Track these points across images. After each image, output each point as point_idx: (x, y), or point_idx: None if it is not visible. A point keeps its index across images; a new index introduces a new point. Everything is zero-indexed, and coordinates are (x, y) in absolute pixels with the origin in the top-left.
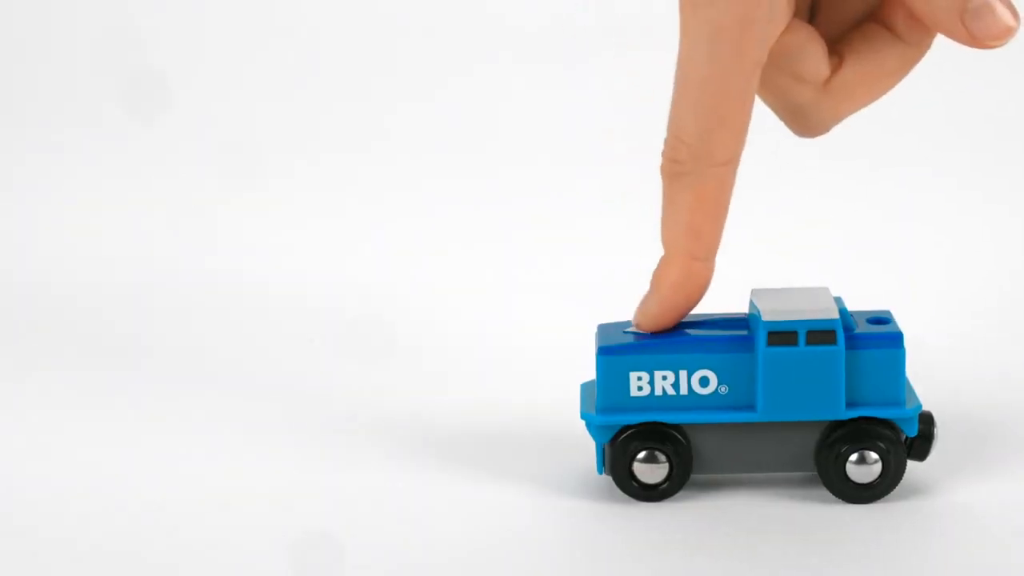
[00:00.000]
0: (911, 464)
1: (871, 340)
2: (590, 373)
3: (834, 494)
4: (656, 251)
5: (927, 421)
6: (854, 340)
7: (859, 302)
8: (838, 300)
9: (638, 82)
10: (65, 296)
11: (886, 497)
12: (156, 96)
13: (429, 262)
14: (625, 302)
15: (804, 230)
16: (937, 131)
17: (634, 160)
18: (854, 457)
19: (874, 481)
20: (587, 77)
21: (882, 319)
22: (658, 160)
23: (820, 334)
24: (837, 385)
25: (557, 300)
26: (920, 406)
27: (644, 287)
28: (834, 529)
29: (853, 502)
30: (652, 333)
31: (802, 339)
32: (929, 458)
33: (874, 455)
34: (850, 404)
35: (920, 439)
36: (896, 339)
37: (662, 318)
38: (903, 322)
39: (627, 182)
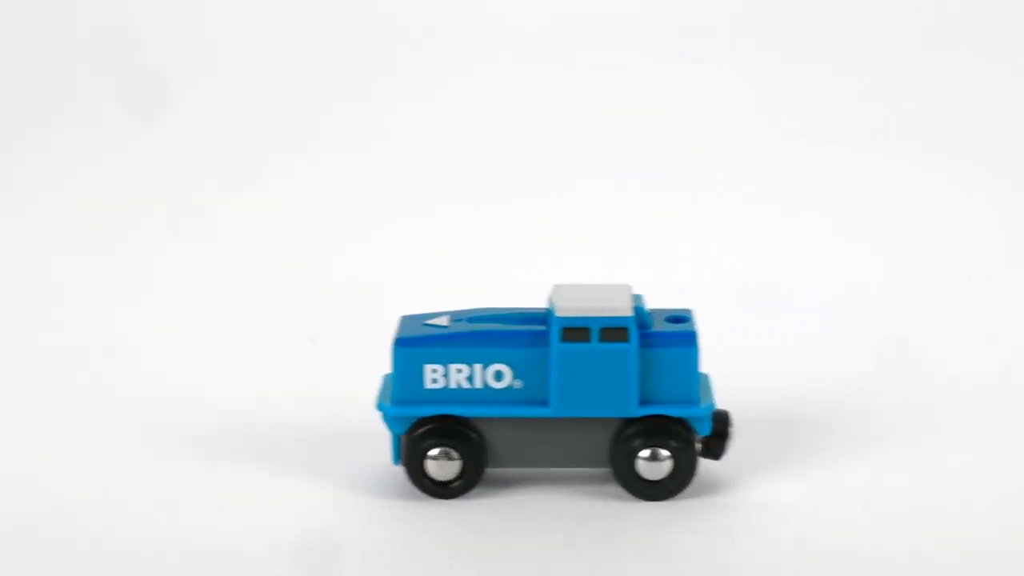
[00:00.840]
0: (713, 462)
1: (665, 338)
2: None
3: (627, 491)
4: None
5: (723, 420)
6: (648, 338)
7: None
8: (637, 298)
9: (638, 82)
10: (64, 295)
11: (680, 495)
12: (156, 96)
13: (428, 262)
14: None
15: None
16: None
17: (634, 160)
18: (645, 454)
19: (665, 478)
20: (587, 77)
21: (680, 318)
22: (658, 160)
23: (613, 331)
24: (630, 382)
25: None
26: (712, 405)
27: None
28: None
29: (646, 499)
30: (450, 326)
31: (595, 336)
32: (728, 456)
33: (665, 452)
34: (643, 402)
35: (715, 438)
36: (689, 338)
37: None
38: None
39: (627, 182)
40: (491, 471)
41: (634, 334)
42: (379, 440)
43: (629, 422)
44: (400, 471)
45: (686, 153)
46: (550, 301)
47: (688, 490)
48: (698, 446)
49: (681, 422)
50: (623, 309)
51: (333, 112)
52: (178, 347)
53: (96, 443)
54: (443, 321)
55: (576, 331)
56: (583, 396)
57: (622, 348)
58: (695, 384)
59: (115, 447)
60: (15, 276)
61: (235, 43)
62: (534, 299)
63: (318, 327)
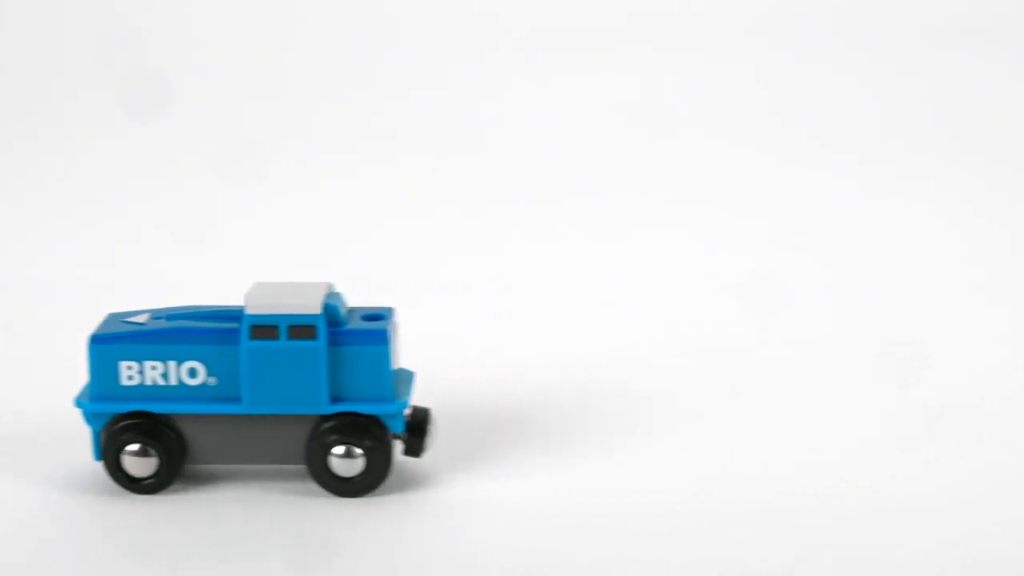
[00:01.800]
0: (417, 459)
1: (355, 336)
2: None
3: (322, 487)
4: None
5: (422, 418)
6: (338, 336)
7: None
8: (336, 296)
9: (638, 82)
10: (63, 295)
11: (375, 492)
12: (155, 96)
13: (428, 262)
14: (624, 302)
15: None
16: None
17: (634, 160)
18: (339, 451)
19: (359, 475)
20: (588, 77)
21: (378, 316)
22: (658, 160)
23: (301, 329)
24: (319, 380)
25: (554, 300)
26: (405, 403)
27: (643, 287)
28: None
29: (341, 495)
30: (147, 324)
31: (283, 333)
32: (433, 454)
33: (358, 450)
34: (335, 399)
35: (413, 435)
36: (380, 336)
37: None
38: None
39: (627, 182)
40: (191, 467)
41: (323, 332)
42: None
43: (324, 419)
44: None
45: (685, 153)
46: (245, 298)
47: (384, 487)
48: (399, 443)
49: (375, 419)
50: (312, 307)
51: (333, 112)
52: None
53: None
54: (143, 319)
55: (265, 329)
56: (274, 393)
57: (310, 346)
58: (387, 381)
59: None
60: (15, 276)
61: (236, 44)
62: (534, 299)
63: None
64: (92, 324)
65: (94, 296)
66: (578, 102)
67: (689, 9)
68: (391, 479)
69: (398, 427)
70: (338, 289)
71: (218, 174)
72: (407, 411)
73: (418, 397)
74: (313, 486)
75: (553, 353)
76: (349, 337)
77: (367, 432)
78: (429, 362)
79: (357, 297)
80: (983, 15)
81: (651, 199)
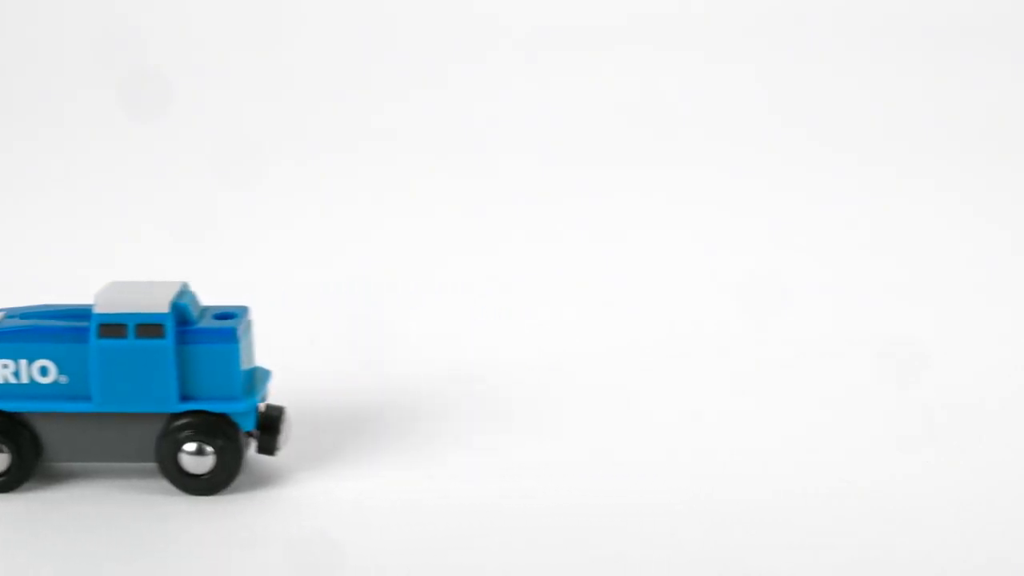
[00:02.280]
0: (270, 457)
1: (204, 335)
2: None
3: (174, 485)
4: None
5: (275, 416)
6: (187, 335)
7: None
8: (189, 295)
9: (638, 82)
10: (63, 295)
11: (226, 490)
12: (155, 96)
13: (428, 262)
14: (624, 301)
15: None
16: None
17: (634, 160)
18: (190, 448)
19: (210, 473)
20: (588, 77)
21: (229, 315)
22: (657, 159)
23: (149, 328)
24: (168, 378)
25: (554, 300)
26: (254, 401)
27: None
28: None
29: (193, 493)
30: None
31: (131, 332)
32: (286, 451)
33: (209, 447)
34: (184, 397)
35: (266, 433)
36: (229, 335)
37: None
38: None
39: (627, 182)
40: (47, 465)
41: (171, 331)
42: None
43: (175, 417)
44: None
45: (685, 153)
46: (94, 297)
47: (235, 485)
48: (254, 442)
49: (226, 417)
50: (160, 306)
51: (334, 112)
52: None
53: None
54: None
55: (113, 327)
56: (124, 392)
57: (158, 344)
58: (236, 380)
59: None
60: (15, 276)
61: (235, 43)
62: (533, 298)
63: (316, 327)
64: None
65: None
66: (578, 102)
67: (689, 9)
68: (243, 477)
69: (248, 425)
70: (192, 288)
71: (218, 174)
72: (261, 408)
73: (420, 398)
74: (167, 484)
75: (553, 353)
76: (198, 336)
77: (218, 430)
78: (429, 362)
79: (357, 297)
80: (983, 15)
81: (651, 199)
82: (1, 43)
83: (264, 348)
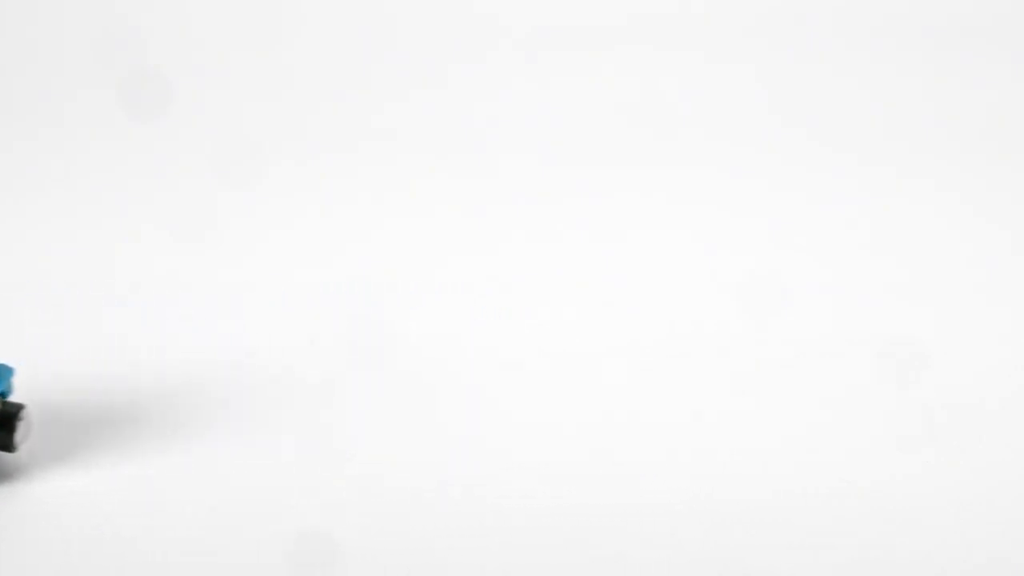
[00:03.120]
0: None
1: None
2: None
3: None
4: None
5: (12, 413)
6: None
7: None
8: None
9: (638, 82)
10: (63, 294)
11: None
12: (155, 96)
13: (428, 262)
14: (624, 301)
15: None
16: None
17: (634, 160)
18: None
19: None
20: (588, 77)
21: None
22: (657, 159)
23: None
24: None
25: (554, 300)
26: None
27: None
28: None
29: None
30: None
31: None
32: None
33: None
34: None
35: (1, 430)
36: None
37: None
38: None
39: (627, 182)
40: None
41: None
42: None
43: None
44: None
45: (685, 153)
46: None
47: None
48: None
49: None
50: None
51: (334, 112)
52: (176, 346)
53: None
54: None
55: None
56: None
57: None
58: None
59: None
60: (15, 276)
61: (235, 43)
62: (533, 298)
63: (316, 327)
64: None
65: None
66: (578, 102)
67: (689, 9)
68: None
69: None
70: None
71: (218, 174)
72: None
73: (417, 397)
74: None
75: (553, 353)
76: None
77: None
78: (428, 362)
79: (357, 297)
80: (983, 15)
81: (651, 199)
82: (1, 43)
83: (262, 349)
